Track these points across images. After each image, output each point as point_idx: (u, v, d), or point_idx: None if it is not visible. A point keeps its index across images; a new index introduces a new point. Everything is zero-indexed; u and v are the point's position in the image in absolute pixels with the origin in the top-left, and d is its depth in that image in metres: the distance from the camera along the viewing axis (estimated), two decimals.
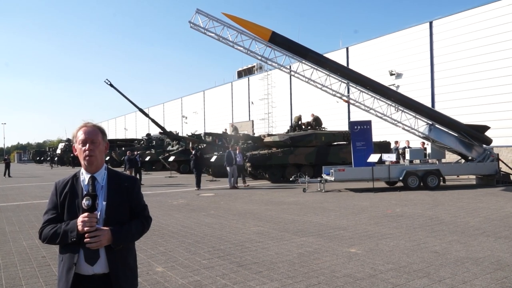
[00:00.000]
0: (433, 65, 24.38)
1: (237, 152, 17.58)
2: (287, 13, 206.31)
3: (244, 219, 9.22)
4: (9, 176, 29.16)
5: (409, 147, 19.26)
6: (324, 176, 15.16)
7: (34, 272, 5.47)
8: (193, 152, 18.11)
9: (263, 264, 5.56)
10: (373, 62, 27.48)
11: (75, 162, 47.97)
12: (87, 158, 2.22)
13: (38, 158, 69.18)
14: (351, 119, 26.62)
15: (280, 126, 34.99)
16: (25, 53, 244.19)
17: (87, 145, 2.23)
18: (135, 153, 20.89)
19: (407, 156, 16.46)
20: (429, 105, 22.02)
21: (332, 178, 14.65)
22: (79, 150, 2.25)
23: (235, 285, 4.73)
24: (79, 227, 2.08)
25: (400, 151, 20.58)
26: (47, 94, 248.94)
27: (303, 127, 20.52)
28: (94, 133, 2.27)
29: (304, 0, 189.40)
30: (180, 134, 36.61)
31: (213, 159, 21.49)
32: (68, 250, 2.16)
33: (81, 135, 2.25)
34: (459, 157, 16.54)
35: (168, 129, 32.76)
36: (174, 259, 5.92)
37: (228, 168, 17.01)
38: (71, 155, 50.92)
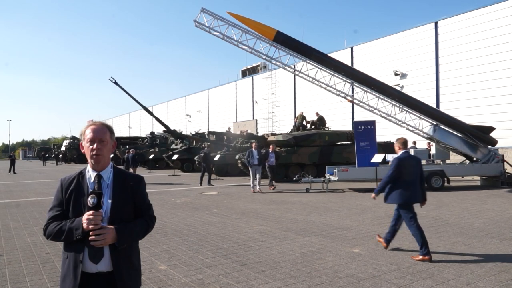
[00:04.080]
0: (438, 66, 24.29)
1: (270, 151, 15.83)
2: (288, 12, 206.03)
3: (247, 218, 9.22)
4: (14, 172, 29.32)
5: (415, 147, 19.15)
6: (328, 176, 15.13)
7: (38, 268, 5.49)
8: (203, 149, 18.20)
9: (265, 263, 5.56)
10: (378, 62, 27.41)
11: (60, 159, 48.71)
12: (94, 157, 2.22)
13: (45, 155, 69.58)
14: (355, 119, 26.57)
15: (284, 126, 34.98)
16: (29, 50, 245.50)
17: (95, 144, 2.23)
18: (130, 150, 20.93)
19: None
20: (434, 105, 21.93)
21: (336, 178, 14.62)
22: (87, 149, 2.25)
23: (237, 284, 4.73)
24: (84, 225, 2.08)
25: None
26: (51, 91, 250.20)
27: (308, 126, 20.48)
28: (103, 132, 2.27)
29: (306, 0, 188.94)
30: (184, 133, 36.67)
31: (216, 158, 21.52)
32: (73, 247, 2.17)
33: (89, 134, 2.25)
34: (464, 158, 16.47)
35: (172, 128, 32.81)
36: (177, 258, 5.94)
37: (250, 169, 15.26)
38: (55, 152, 51.60)
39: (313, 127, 20.36)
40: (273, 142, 19.85)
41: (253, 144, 15.69)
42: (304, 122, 21.41)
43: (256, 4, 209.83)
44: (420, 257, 5.56)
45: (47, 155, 56.10)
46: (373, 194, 6.31)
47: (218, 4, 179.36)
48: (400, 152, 6.12)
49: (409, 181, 5.89)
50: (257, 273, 5.12)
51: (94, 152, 2.22)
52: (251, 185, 14.81)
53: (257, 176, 14.73)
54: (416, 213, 5.92)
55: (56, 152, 56.16)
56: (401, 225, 6.10)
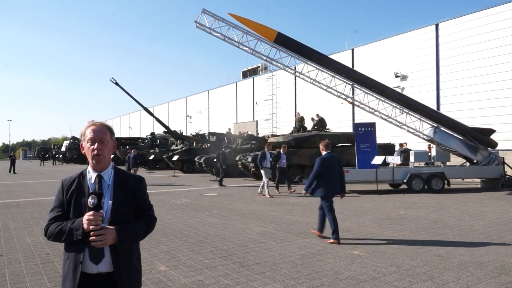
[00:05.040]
0: (438, 68, 24.28)
1: (282, 153, 14.98)
2: (288, 12, 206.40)
3: (247, 219, 9.22)
4: (14, 172, 29.32)
5: (407, 148, 19.11)
6: None
7: (38, 269, 5.49)
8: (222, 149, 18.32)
9: (265, 264, 5.56)
10: (379, 64, 27.41)
11: (70, 159, 48.95)
12: (95, 157, 2.23)
13: (44, 155, 69.69)
14: (356, 121, 26.58)
15: (284, 127, 34.99)
16: (29, 50, 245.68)
17: (96, 144, 2.23)
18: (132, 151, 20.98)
19: (412, 159, 16.39)
20: (435, 107, 21.93)
21: None
22: (87, 149, 2.26)
23: (237, 286, 4.73)
24: (85, 225, 2.08)
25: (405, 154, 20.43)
26: (51, 91, 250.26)
27: (313, 126, 20.44)
28: (103, 132, 2.27)
29: (307, 0, 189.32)
30: (184, 134, 36.70)
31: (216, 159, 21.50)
32: (74, 248, 2.17)
33: (89, 134, 2.25)
34: (464, 160, 16.46)
35: (172, 128, 32.83)
36: (177, 259, 5.94)
37: (262, 172, 14.25)
38: (54, 152, 51.66)
39: (315, 127, 20.36)
40: (272, 143, 19.89)
41: (267, 146, 14.88)
42: (306, 123, 21.38)
43: (256, 4, 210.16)
44: (331, 240, 6.77)
45: (47, 155, 56.14)
46: (303, 191, 7.37)
47: (218, 4, 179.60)
48: (324, 153, 7.36)
49: (331, 177, 7.14)
50: (257, 275, 5.12)
51: (95, 152, 2.22)
52: (266, 190, 13.63)
53: (267, 179, 13.94)
54: (332, 206, 7.08)
55: (53, 153, 56.23)
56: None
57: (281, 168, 15.02)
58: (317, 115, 21.06)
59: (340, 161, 7.55)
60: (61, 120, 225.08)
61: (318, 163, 7.17)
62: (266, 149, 14.58)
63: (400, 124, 15.69)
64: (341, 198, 7.62)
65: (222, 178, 17.40)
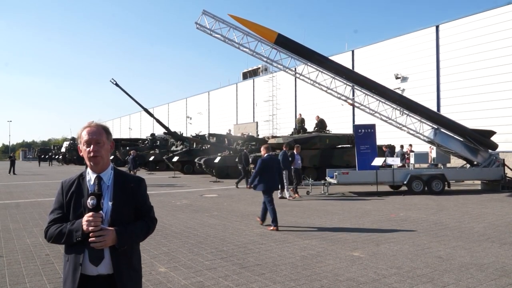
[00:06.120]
0: (439, 69, 24.30)
1: (296, 153, 14.48)
2: (289, 13, 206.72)
3: (247, 220, 9.21)
4: (14, 173, 29.32)
5: (389, 151, 19.13)
6: (328, 179, 15.12)
7: (37, 270, 5.49)
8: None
9: (265, 266, 5.55)
10: (379, 66, 27.43)
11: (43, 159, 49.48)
12: (92, 159, 2.22)
13: (42, 156, 69.77)
14: (356, 122, 26.60)
15: (284, 128, 35.01)
16: (29, 50, 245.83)
17: (92, 145, 2.22)
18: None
19: (412, 160, 16.38)
20: (435, 109, 21.93)
21: (336, 181, 14.61)
22: (84, 151, 2.25)
23: (237, 287, 4.72)
24: (84, 227, 2.08)
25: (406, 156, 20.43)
26: (51, 91, 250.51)
27: (315, 128, 20.42)
28: (98, 133, 2.26)
29: (307, 1, 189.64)
30: (184, 135, 36.72)
31: (217, 160, 21.51)
32: (73, 250, 2.16)
33: (85, 136, 2.25)
34: (464, 162, 16.45)
35: (172, 129, 32.84)
36: (177, 260, 5.93)
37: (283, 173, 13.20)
38: (52, 153, 51.81)
39: (316, 128, 20.35)
40: (273, 145, 19.86)
41: (284, 147, 14.33)
42: (303, 125, 21.37)
43: (256, 5, 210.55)
44: (272, 227, 8.03)
45: (47, 156, 56.14)
46: (247, 186, 8.04)
47: (218, 5, 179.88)
48: (265, 155, 8.74)
49: (270, 175, 8.45)
50: (257, 276, 5.11)
51: (91, 154, 2.21)
52: (287, 193, 13.39)
53: (286, 181, 13.48)
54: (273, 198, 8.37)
55: (50, 154, 56.33)
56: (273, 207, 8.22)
57: (297, 170, 14.57)
58: (317, 117, 21.05)
59: (279, 161, 9.29)
60: (61, 121, 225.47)
61: (258, 163, 8.57)
62: (285, 149, 14.09)
63: (400, 126, 15.68)
64: (280, 193, 8.78)
65: (246, 179, 17.20)
